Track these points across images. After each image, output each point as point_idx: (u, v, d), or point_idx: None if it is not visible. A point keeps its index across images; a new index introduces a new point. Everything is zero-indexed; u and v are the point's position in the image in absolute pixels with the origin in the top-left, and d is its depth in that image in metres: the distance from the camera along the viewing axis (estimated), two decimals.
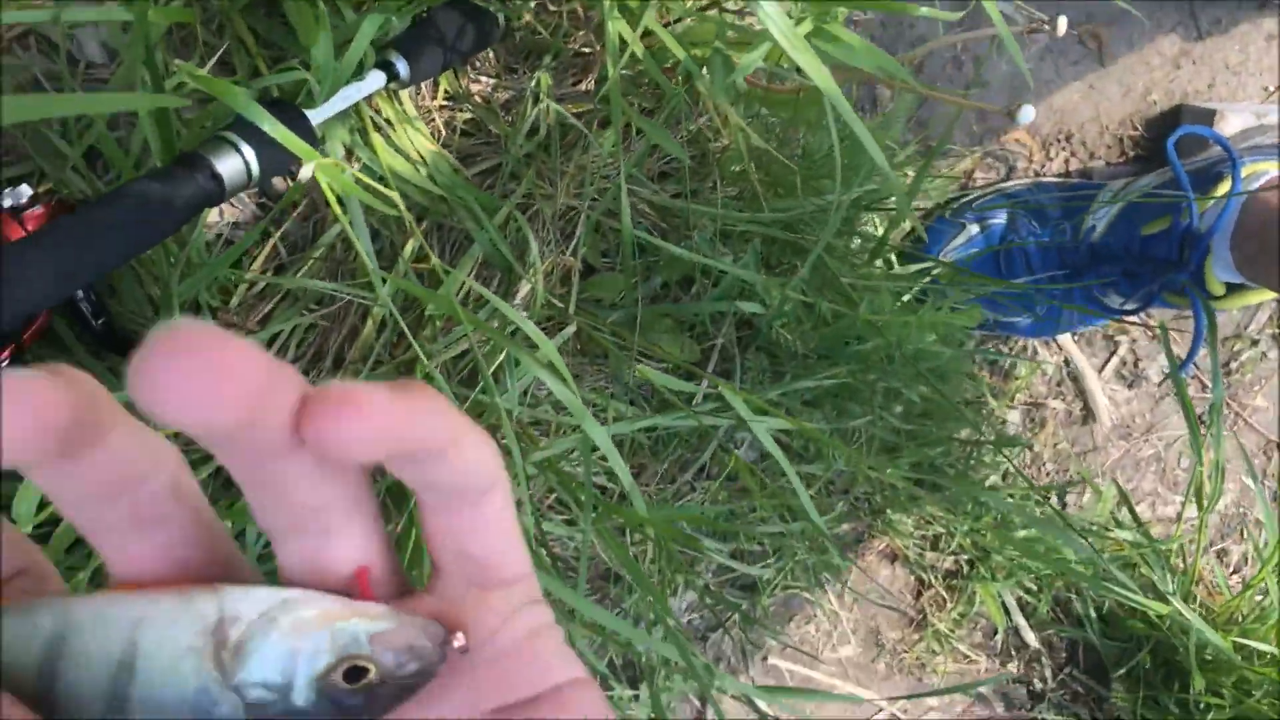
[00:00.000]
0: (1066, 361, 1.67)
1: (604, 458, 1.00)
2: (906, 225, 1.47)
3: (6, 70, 0.90)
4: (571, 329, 1.06)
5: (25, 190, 0.85)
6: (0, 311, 0.66)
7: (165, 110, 0.80)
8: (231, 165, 0.81)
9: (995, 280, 1.32)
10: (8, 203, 0.84)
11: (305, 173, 0.77)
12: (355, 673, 0.28)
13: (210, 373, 0.22)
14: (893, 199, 1.20)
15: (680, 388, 1.04)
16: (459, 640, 0.29)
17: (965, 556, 1.47)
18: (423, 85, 1.06)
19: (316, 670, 0.28)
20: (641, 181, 1.13)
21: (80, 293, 0.88)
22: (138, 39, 0.72)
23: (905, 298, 1.26)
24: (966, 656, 1.50)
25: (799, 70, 1.09)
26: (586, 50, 1.10)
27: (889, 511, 1.40)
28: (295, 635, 0.28)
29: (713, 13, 1.00)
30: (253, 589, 0.28)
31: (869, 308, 1.16)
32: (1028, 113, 0.88)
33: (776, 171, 1.14)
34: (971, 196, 1.52)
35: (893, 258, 1.34)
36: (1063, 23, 0.85)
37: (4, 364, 0.81)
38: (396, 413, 0.25)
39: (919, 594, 1.47)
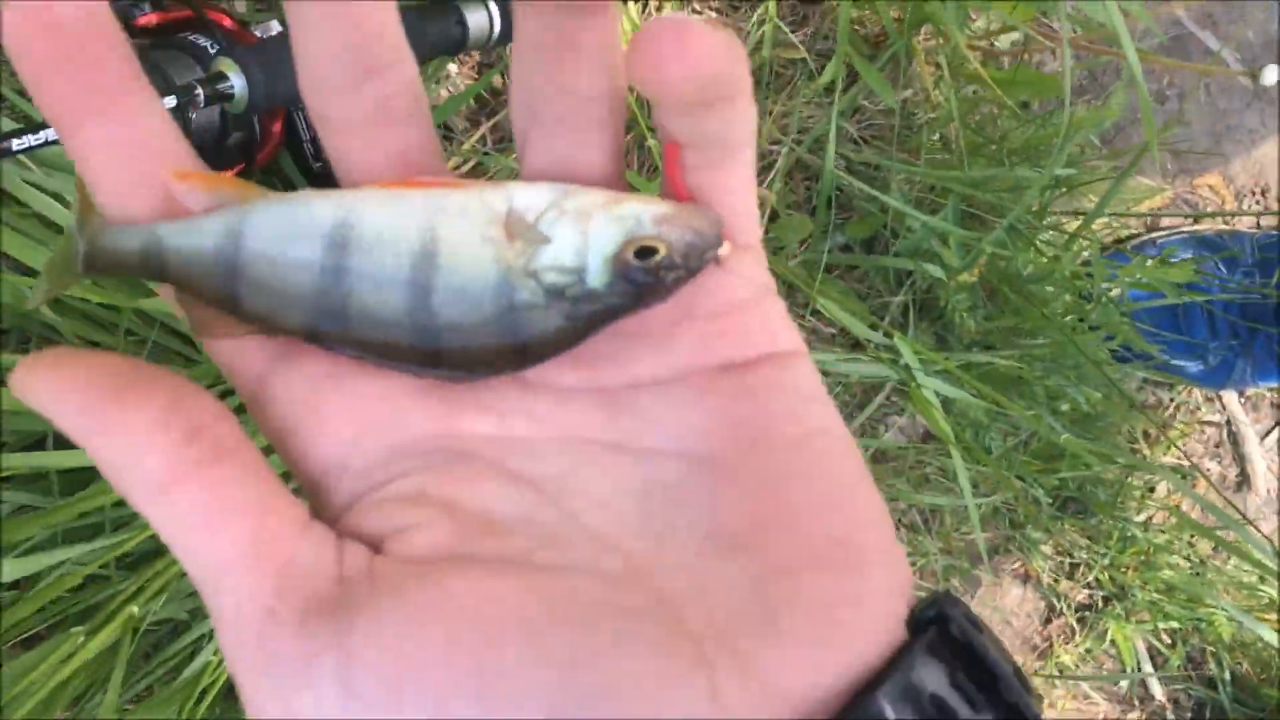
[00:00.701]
0: (1229, 422, 1.61)
1: None
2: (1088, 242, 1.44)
3: None
4: None
5: (275, 25, 0.89)
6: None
7: None
8: (478, 17, 0.84)
9: (1190, 292, 1.28)
10: (259, 34, 0.89)
11: None
12: (645, 253, 0.28)
13: None
14: (1092, 187, 1.18)
15: (860, 332, 1.04)
16: (724, 248, 0.29)
17: (1102, 592, 1.42)
18: (650, 3, 1.08)
19: (608, 251, 0.28)
20: (845, 134, 1.14)
21: (308, 130, 0.91)
22: None
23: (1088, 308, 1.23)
24: (1087, 696, 1.44)
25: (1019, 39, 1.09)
26: None
27: (1029, 528, 1.36)
28: (584, 220, 0.29)
29: None
30: (534, 183, 0.29)
31: (1045, 300, 1.14)
32: (1270, 73, 0.86)
33: (975, 146, 1.14)
34: (1159, 233, 1.48)
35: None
36: (1271, 73, 0.84)
37: (238, 175, 0.85)
38: (724, 57, 0.25)
39: (1048, 620, 1.42)
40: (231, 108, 0.71)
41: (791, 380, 0.30)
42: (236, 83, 0.70)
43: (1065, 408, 1.23)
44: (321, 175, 0.92)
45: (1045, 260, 1.03)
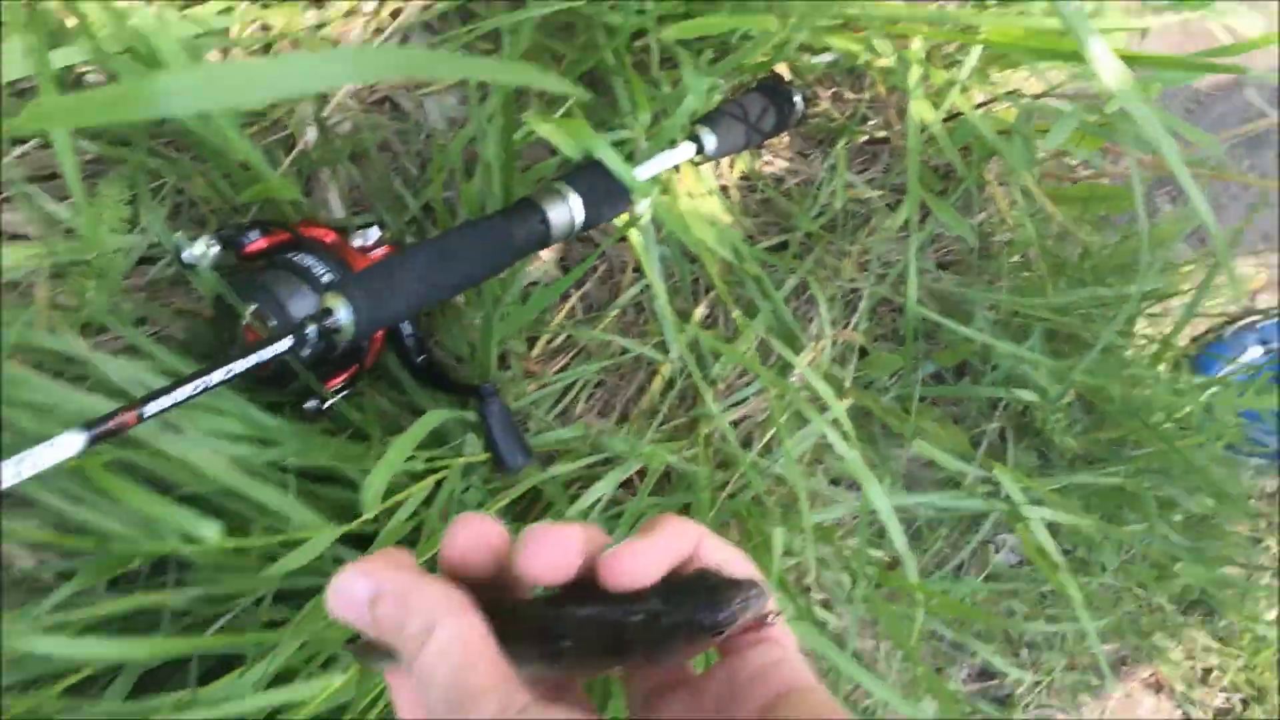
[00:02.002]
0: None
1: (876, 531, 1.00)
2: (1183, 340, 1.43)
3: (364, 128, 1.02)
4: (848, 402, 1.08)
5: (374, 232, 0.95)
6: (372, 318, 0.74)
7: (511, 155, 0.89)
8: (559, 212, 0.88)
9: None
10: (357, 243, 0.94)
11: (642, 206, 0.83)
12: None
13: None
14: (1176, 298, 1.18)
15: (956, 467, 1.04)
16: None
17: (1239, 695, 1.37)
18: (722, 161, 1.12)
19: None
20: (925, 266, 1.15)
21: (409, 328, 0.96)
22: (500, 88, 0.80)
23: (1186, 409, 1.22)
24: None
25: (1089, 162, 1.09)
26: (880, 135, 1.14)
27: (1156, 636, 1.32)
28: None
29: (1012, 97, 1.03)
30: None
31: (1148, 410, 1.13)
32: None
33: (1059, 262, 1.14)
34: (1255, 318, 1.46)
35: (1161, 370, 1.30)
36: None
37: (348, 379, 0.89)
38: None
39: None
40: (340, 338, 0.75)
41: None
42: (343, 315, 0.75)
43: (1178, 517, 1.20)
44: (423, 368, 0.96)
45: (1140, 384, 1.02)
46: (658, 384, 1.05)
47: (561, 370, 1.06)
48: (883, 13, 0.87)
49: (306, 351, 0.77)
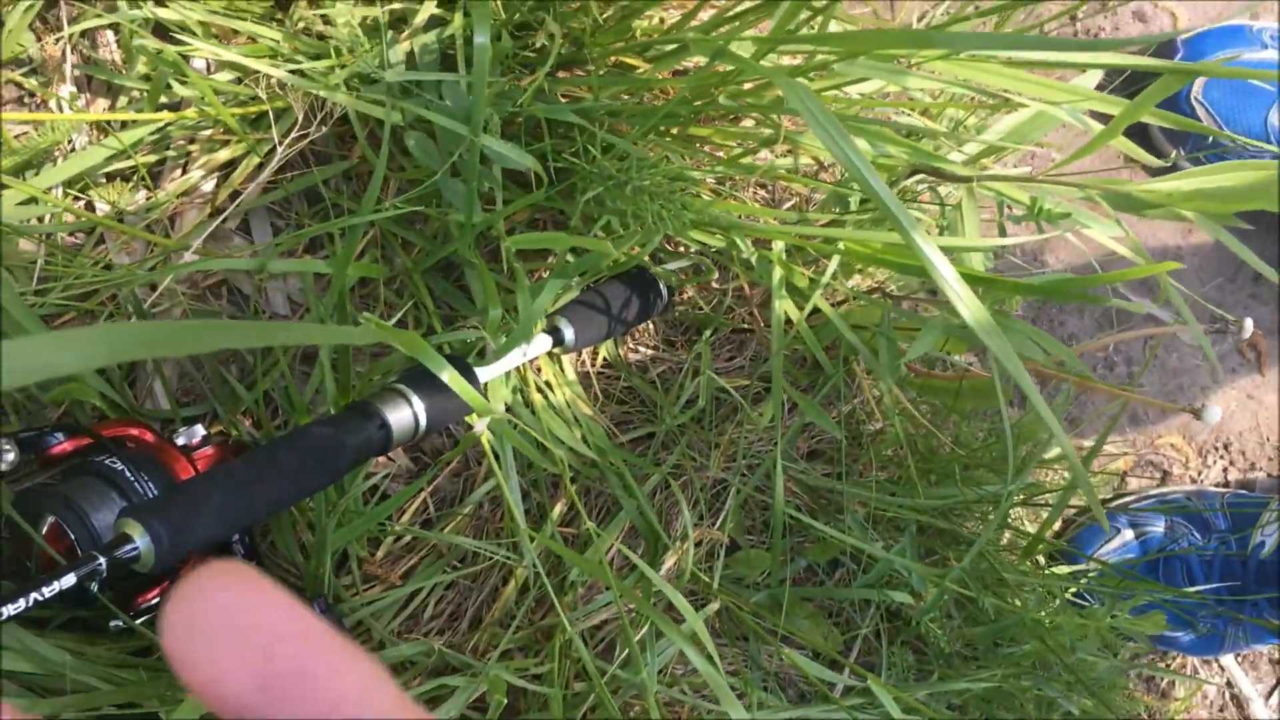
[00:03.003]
0: (1229, 684, 1.54)
1: None
2: (1056, 525, 1.41)
3: (196, 315, 0.95)
4: (715, 606, 1.02)
5: (199, 430, 0.87)
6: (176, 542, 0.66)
7: (346, 355, 0.83)
8: (401, 416, 0.82)
9: (1166, 588, 1.24)
10: (181, 441, 0.86)
11: (480, 426, 0.77)
12: None
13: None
14: (1048, 496, 1.16)
15: (826, 677, 0.98)
16: None
17: None
18: (583, 351, 1.08)
19: None
20: (793, 459, 1.11)
21: (235, 536, 0.88)
22: (335, 287, 0.75)
23: (1058, 601, 1.19)
24: None
25: (956, 356, 1.08)
26: (745, 327, 1.12)
27: None
28: None
29: (876, 296, 1.01)
30: None
31: (1022, 608, 1.09)
32: (1214, 413, 0.85)
33: (929, 458, 1.12)
34: (1127, 500, 1.46)
35: (1040, 558, 1.28)
36: (1249, 325, 0.84)
37: (162, 592, 0.81)
38: None
39: None
40: (139, 567, 0.67)
41: None
42: (141, 544, 0.67)
43: (1061, 716, 1.16)
44: None
45: (1012, 590, 0.99)
46: (511, 589, 0.98)
47: (407, 574, 0.99)
48: (743, 223, 0.84)
49: (98, 581, 0.69)
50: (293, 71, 0.82)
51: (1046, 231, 0.78)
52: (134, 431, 0.85)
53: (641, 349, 1.11)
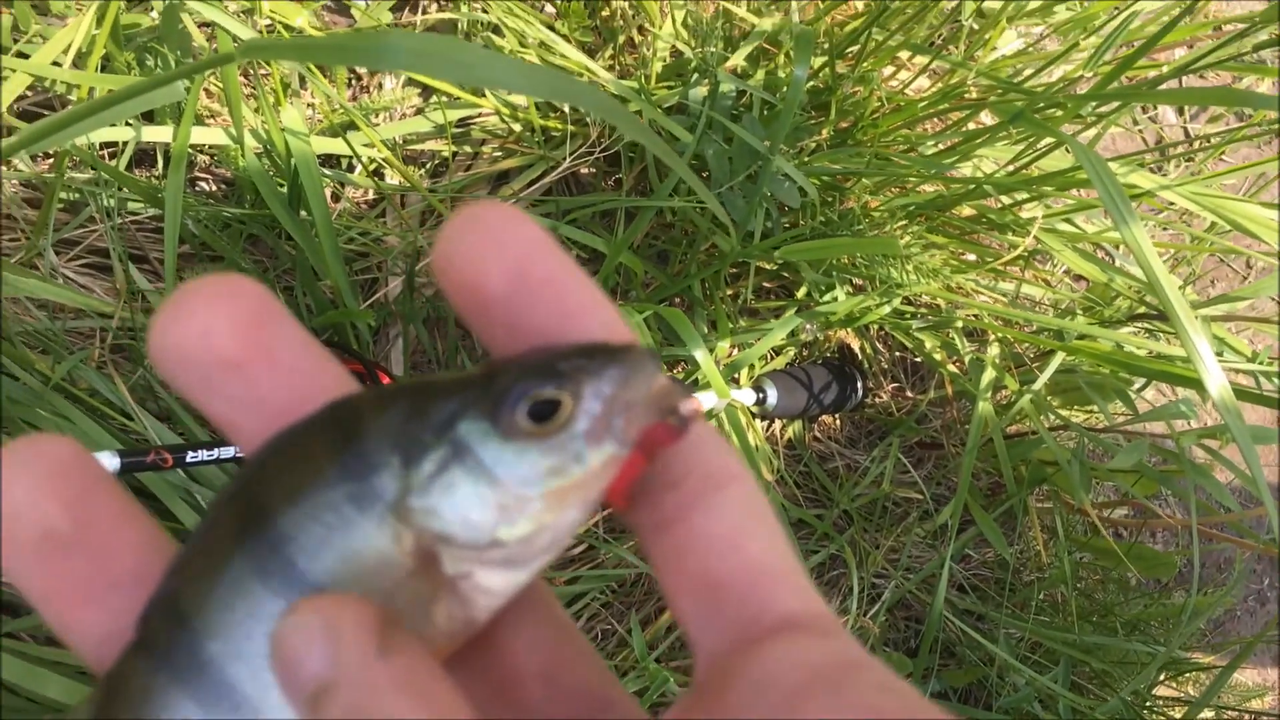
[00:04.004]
0: None
1: None
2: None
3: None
4: None
5: None
6: None
7: None
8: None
9: None
10: None
11: (719, 404, 0.82)
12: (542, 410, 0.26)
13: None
14: (1194, 675, 1.14)
15: None
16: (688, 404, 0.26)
17: None
18: (775, 422, 1.13)
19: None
20: (953, 579, 1.13)
21: None
22: (606, 267, 0.82)
23: None
24: None
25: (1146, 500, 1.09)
26: (932, 440, 1.15)
27: None
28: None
29: (1077, 420, 1.04)
30: None
31: None
32: None
33: (1083, 611, 1.12)
34: None
35: None
36: None
37: None
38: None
39: None
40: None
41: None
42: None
43: None
44: None
45: None
46: (665, 618, 1.01)
47: (570, 583, 1.02)
48: (971, 301, 0.90)
49: None
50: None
51: None
52: (381, 375, 0.92)
53: (825, 440, 1.15)
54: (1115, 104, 0.80)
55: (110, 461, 0.60)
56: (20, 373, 0.72)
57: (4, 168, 0.85)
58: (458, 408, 0.26)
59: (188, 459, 0.63)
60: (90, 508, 0.27)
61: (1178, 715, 1.08)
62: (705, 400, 0.86)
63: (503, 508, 0.26)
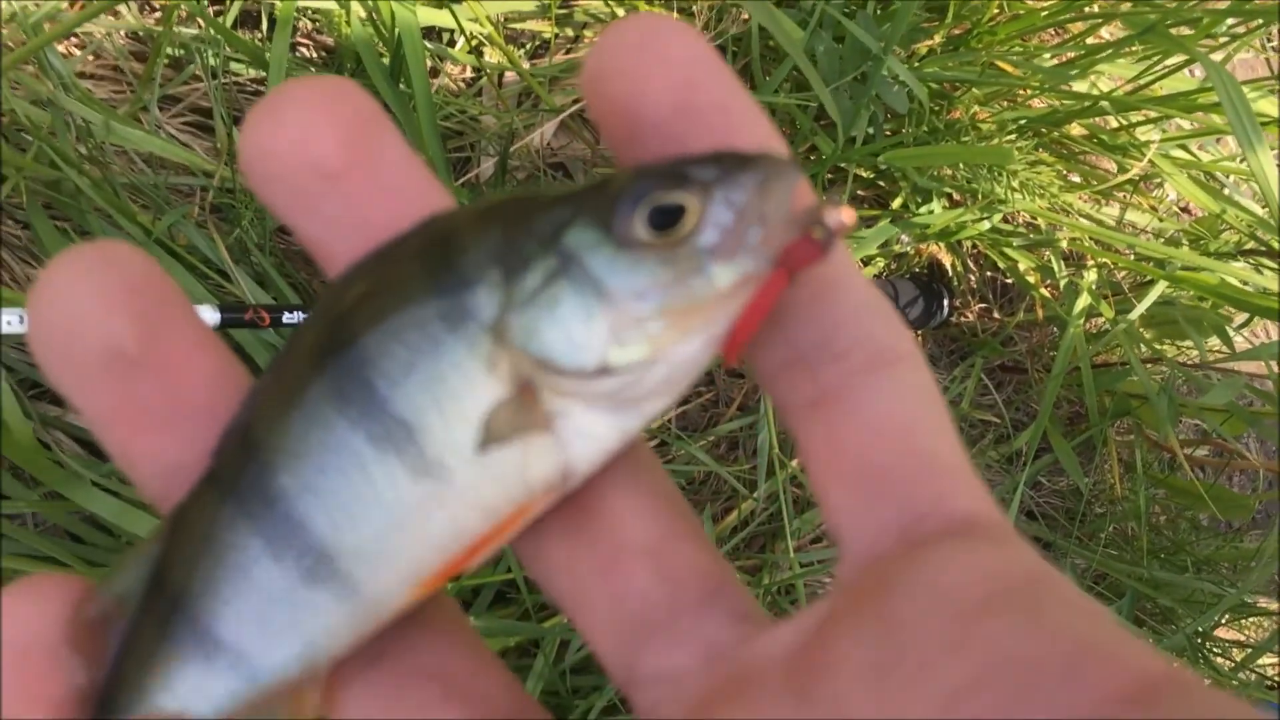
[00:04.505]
0: None
1: None
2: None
3: (538, 181, 1.03)
4: None
5: None
6: None
7: None
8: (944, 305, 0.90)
9: None
10: None
11: None
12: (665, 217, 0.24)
13: None
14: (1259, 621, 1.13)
15: None
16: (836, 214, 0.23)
17: None
18: None
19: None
20: (1023, 505, 1.12)
21: None
22: None
23: None
24: None
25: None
26: (1014, 363, 1.13)
27: None
28: None
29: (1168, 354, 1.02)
30: None
31: None
32: None
33: (1153, 548, 1.11)
34: None
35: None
36: None
37: None
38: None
39: None
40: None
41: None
42: None
43: None
44: None
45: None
46: (732, 518, 1.02)
47: None
48: (1074, 222, 0.87)
49: None
50: None
51: None
52: None
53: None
54: (1256, 21, 0.77)
55: (211, 316, 0.61)
56: (124, 223, 0.73)
57: (112, 18, 0.85)
58: (569, 215, 0.23)
59: (284, 319, 0.64)
60: (162, 327, 0.24)
61: (1238, 657, 1.07)
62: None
63: (614, 326, 0.22)
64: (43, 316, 0.24)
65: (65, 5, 0.81)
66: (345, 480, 0.23)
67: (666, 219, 0.22)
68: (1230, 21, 0.77)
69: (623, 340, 0.22)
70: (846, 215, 0.22)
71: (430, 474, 0.23)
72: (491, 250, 0.23)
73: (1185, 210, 1.10)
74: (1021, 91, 0.93)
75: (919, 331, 1.14)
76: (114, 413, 0.24)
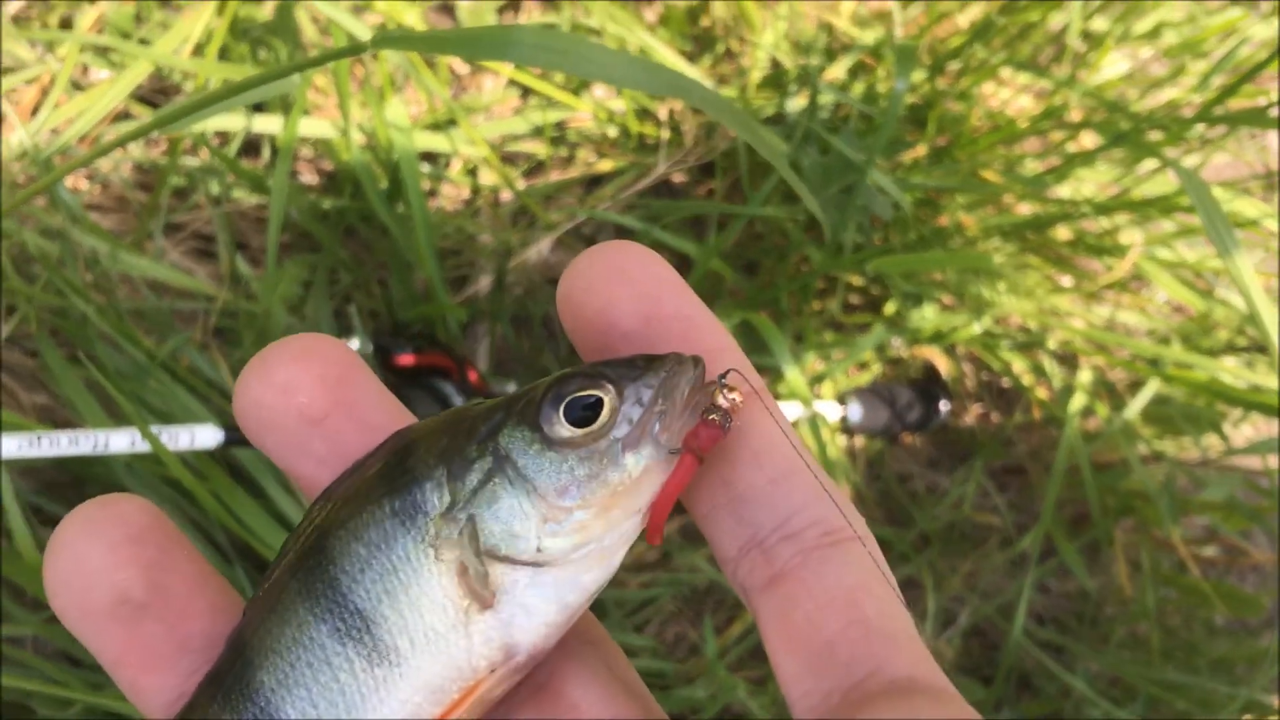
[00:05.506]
0: None
1: None
2: None
3: (537, 299, 1.05)
4: None
5: (511, 389, 0.95)
6: None
7: None
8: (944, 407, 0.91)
9: None
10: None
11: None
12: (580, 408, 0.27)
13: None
14: None
15: None
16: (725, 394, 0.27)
17: None
18: (856, 438, 1.12)
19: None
20: (1030, 608, 1.11)
21: None
22: (697, 272, 0.82)
23: None
24: None
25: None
26: (1015, 466, 1.14)
27: None
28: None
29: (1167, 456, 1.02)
30: None
31: None
32: None
33: (1166, 648, 1.09)
34: None
35: None
36: None
37: None
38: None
39: None
40: None
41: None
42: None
43: None
44: None
45: None
46: (736, 628, 1.01)
47: (644, 586, 1.02)
48: (1064, 322, 0.88)
49: None
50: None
51: None
52: (472, 374, 0.93)
53: (906, 461, 1.14)
54: (1222, 129, 0.79)
55: (214, 436, 0.62)
56: (129, 347, 0.75)
57: (120, 152, 0.88)
58: (503, 418, 0.27)
59: None
60: (166, 571, 0.28)
61: None
62: (789, 411, 0.85)
63: (545, 518, 0.26)
64: (57, 569, 0.27)
65: (76, 141, 0.84)
66: (311, 673, 0.25)
67: (586, 414, 0.25)
68: (1201, 127, 0.79)
69: (554, 531, 0.26)
70: (739, 395, 0.26)
71: (385, 660, 0.25)
72: (439, 453, 0.26)
73: (1179, 310, 1.11)
74: (1006, 198, 0.95)
75: (918, 433, 1.15)
76: (123, 655, 0.27)
